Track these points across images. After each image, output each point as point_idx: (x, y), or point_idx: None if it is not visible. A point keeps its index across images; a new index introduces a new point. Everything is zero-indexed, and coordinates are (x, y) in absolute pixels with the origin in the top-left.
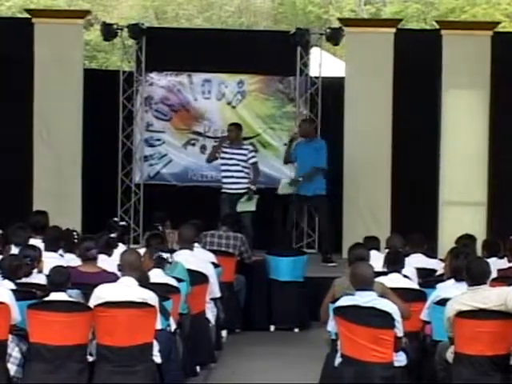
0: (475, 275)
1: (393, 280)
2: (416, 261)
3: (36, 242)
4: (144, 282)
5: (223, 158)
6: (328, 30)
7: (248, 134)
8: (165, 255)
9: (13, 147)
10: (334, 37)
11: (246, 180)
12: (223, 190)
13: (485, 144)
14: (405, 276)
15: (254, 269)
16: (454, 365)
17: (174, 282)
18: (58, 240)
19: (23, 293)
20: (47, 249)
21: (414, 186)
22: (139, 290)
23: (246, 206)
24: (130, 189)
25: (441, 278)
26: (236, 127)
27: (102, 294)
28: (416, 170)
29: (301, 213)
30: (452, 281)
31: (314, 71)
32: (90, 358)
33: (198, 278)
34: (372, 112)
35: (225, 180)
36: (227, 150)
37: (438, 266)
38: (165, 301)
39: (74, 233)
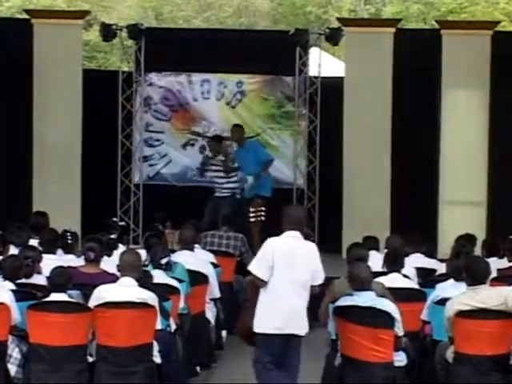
0: (475, 275)
1: (392, 280)
2: (415, 261)
3: (35, 242)
4: (145, 282)
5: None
6: (327, 30)
7: (248, 133)
8: (166, 259)
9: (12, 147)
10: (333, 37)
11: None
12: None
13: (484, 143)
14: (404, 276)
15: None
16: (454, 364)
17: (173, 283)
18: (55, 242)
19: (23, 293)
20: (44, 251)
21: (414, 186)
22: (139, 290)
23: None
24: (129, 189)
25: (440, 278)
26: (219, 139)
27: (102, 294)
28: (416, 169)
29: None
30: (451, 280)
31: (313, 71)
32: (90, 359)
33: (197, 279)
34: (371, 112)
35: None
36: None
37: (437, 265)
38: (164, 301)
39: (68, 234)
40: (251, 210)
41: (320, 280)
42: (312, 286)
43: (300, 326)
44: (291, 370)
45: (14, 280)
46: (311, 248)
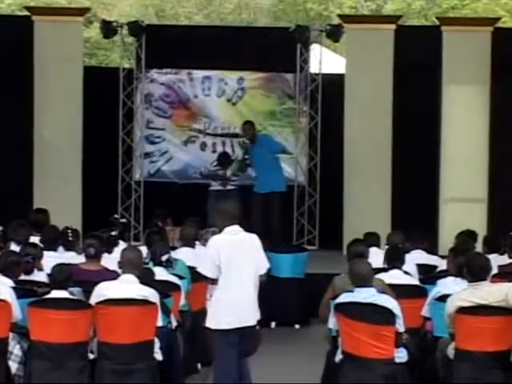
0: (476, 271)
1: (393, 276)
2: (417, 257)
3: (36, 239)
4: (146, 279)
5: None
6: (328, 27)
7: None
8: (166, 256)
9: (13, 145)
10: (334, 33)
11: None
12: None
13: (485, 140)
14: (405, 272)
15: None
16: (455, 361)
17: (174, 280)
18: (56, 239)
19: (24, 290)
20: (46, 248)
21: (415, 182)
22: (140, 287)
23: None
24: (130, 186)
25: (441, 274)
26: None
27: (103, 291)
28: (416, 166)
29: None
30: (452, 277)
31: (314, 68)
32: (91, 356)
33: (198, 275)
34: (372, 108)
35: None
36: None
37: (438, 262)
38: (165, 298)
39: (69, 231)
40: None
41: (264, 269)
42: (260, 276)
43: (251, 317)
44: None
45: (12, 277)
46: (253, 239)
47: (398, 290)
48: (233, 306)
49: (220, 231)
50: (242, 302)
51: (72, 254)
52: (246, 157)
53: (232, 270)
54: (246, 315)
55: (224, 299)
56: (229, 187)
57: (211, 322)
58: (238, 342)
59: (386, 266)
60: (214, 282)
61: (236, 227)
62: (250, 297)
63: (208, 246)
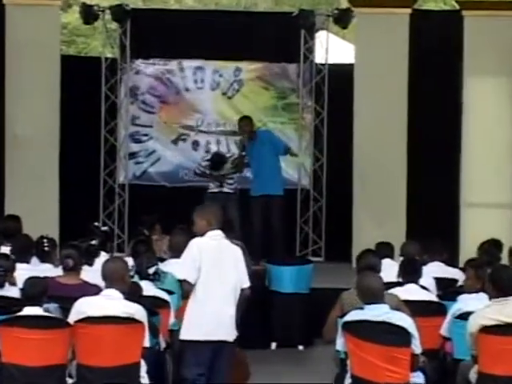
0: (502, 286)
1: (409, 291)
2: (435, 270)
3: (7, 250)
4: (133, 294)
5: None
6: (335, 12)
7: None
8: (153, 269)
9: None
10: (342, 19)
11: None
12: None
13: (511, 137)
14: (422, 287)
15: (252, 279)
16: None
17: (163, 295)
18: (29, 249)
19: None
20: (17, 259)
21: (433, 185)
22: (125, 303)
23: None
24: (113, 190)
25: (462, 289)
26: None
27: (83, 308)
28: (435, 167)
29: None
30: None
31: (319, 57)
32: (70, 381)
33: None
34: (385, 102)
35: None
36: None
37: (459, 275)
38: (153, 316)
39: (44, 240)
40: None
41: (247, 282)
42: (242, 290)
43: (229, 331)
44: None
45: None
46: (235, 249)
47: (413, 307)
48: (206, 315)
49: (202, 235)
50: (216, 314)
51: (48, 266)
52: (243, 153)
53: (211, 276)
54: (219, 329)
55: (197, 307)
56: (226, 190)
57: (183, 333)
58: (209, 357)
59: (400, 279)
60: (189, 286)
61: (219, 232)
62: (225, 309)
63: (190, 247)
